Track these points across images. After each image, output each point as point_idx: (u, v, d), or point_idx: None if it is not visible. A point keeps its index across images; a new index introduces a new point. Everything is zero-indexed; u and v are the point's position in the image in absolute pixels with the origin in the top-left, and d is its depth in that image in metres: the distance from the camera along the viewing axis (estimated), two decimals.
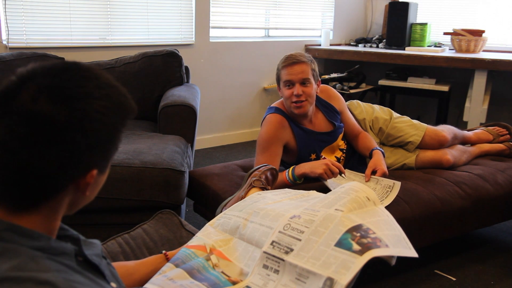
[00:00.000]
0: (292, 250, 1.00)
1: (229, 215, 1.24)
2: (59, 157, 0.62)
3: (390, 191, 1.83)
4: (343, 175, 1.83)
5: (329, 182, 1.83)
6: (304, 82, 1.89)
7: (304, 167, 1.84)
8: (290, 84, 1.90)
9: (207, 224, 1.26)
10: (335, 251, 0.93)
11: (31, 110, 0.61)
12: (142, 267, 1.11)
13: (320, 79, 2.01)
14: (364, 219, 1.00)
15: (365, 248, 0.90)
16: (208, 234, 1.20)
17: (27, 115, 0.61)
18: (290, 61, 1.89)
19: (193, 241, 1.19)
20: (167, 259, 1.14)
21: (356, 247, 0.91)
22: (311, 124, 2.03)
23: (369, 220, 1.00)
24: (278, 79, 1.96)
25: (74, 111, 0.63)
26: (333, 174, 1.80)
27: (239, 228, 1.17)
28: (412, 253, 0.93)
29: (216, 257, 1.11)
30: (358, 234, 0.95)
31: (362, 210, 1.06)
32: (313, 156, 2.01)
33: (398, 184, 1.85)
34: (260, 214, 1.16)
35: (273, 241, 1.05)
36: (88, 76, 0.67)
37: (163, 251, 1.17)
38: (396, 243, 0.94)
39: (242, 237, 1.14)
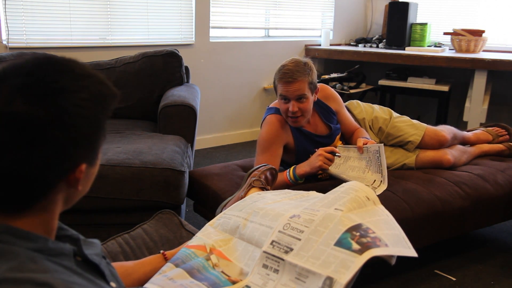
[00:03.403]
0: (292, 249, 1.00)
1: (229, 215, 1.25)
2: (43, 157, 0.61)
3: (379, 156, 1.83)
4: (337, 154, 1.83)
5: (333, 171, 1.84)
6: (300, 98, 1.87)
7: (304, 167, 1.84)
8: (286, 99, 1.88)
9: (207, 224, 1.26)
10: (334, 250, 0.93)
11: (7, 112, 0.59)
12: (141, 267, 1.11)
13: (317, 86, 1.97)
14: (364, 219, 1.00)
15: (364, 248, 0.90)
16: (208, 234, 1.20)
17: (4, 119, 0.59)
18: (286, 78, 1.84)
19: (193, 241, 1.19)
20: (166, 259, 1.14)
21: (355, 246, 0.91)
22: (309, 126, 2.03)
23: (369, 220, 1.00)
24: (275, 89, 1.93)
25: (52, 108, 0.60)
26: (330, 161, 1.81)
27: (239, 228, 1.17)
28: (411, 252, 0.93)
29: (216, 257, 1.11)
30: (358, 234, 0.95)
31: (361, 209, 1.06)
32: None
33: (381, 145, 1.84)
34: (260, 213, 1.16)
35: (273, 241, 1.05)
36: (62, 70, 0.64)
37: (161, 251, 1.17)
38: (395, 243, 0.94)
39: (242, 237, 1.14)
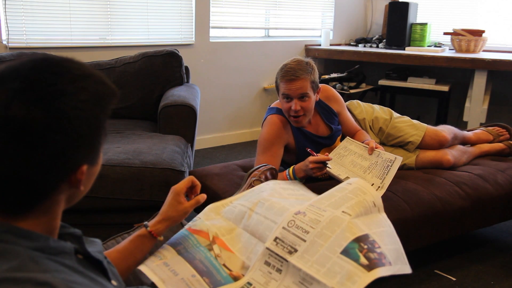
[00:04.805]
0: (296, 250, 0.99)
1: (235, 204, 1.25)
2: (42, 160, 0.60)
3: (391, 166, 1.81)
4: (328, 166, 1.77)
5: (333, 169, 1.80)
6: (302, 97, 1.86)
7: (301, 173, 1.82)
8: (288, 97, 1.88)
9: (209, 206, 1.25)
10: (341, 259, 0.93)
11: (5, 117, 0.58)
12: (127, 254, 1.05)
13: (319, 86, 1.95)
14: (371, 229, 1.01)
15: (372, 265, 0.91)
16: (211, 220, 1.20)
17: (1, 123, 0.58)
18: (289, 76, 1.83)
19: (196, 224, 1.19)
20: (152, 234, 1.07)
21: (363, 260, 0.92)
22: (310, 126, 2.03)
23: (375, 231, 1.01)
24: (277, 88, 1.93)
25: (50, 111, 0.60)
26: (324, 164, 1.75)
27: (244, 218, 1.17)
28: (407, 269, 0.96)
29: (218, 247, 1.11)
30: (366, 247, 0.95)
31: (367, 216, 1.06)
32: None
33: (399, 159, 1.82)
34: (265, 205, 1.16)
35: (276, 237, 1.04)
36: (59, 72, 0.63)
37: (145, 222, 1.10)
38: (396, 259, 0.97)
39: (246, 228, 1.14)
